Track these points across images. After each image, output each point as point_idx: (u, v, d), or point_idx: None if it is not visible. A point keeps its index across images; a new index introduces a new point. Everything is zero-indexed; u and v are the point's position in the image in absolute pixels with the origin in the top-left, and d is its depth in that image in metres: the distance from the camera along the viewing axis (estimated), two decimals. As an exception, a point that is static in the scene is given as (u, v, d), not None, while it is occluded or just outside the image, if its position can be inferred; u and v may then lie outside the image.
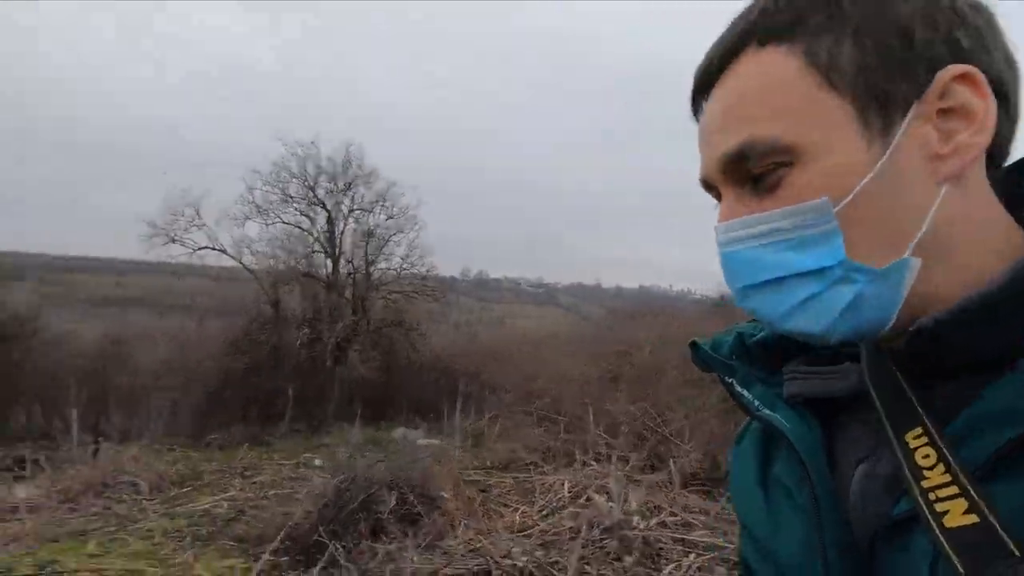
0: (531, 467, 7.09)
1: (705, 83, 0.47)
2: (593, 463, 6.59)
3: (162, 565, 4.02)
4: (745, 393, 0.55)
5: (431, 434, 11.25)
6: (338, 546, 3.94)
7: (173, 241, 11.82)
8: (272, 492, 6.47)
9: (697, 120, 0.49)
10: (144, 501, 5.91)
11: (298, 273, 12.34)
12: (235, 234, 12.45)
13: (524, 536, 4.37)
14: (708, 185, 0.49)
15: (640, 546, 3.78)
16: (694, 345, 0.60)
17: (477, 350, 14.91)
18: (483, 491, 5.77)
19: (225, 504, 5.77)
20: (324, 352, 11.74)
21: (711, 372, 0.59)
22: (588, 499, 5.20)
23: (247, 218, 12.28)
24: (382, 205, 13.04)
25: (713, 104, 0.46)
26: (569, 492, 5.43)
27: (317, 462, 8.26)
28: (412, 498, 4.61)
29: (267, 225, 12.43)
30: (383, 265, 13.25)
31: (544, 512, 5.07)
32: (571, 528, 4.16)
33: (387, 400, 12.91)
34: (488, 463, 7.17)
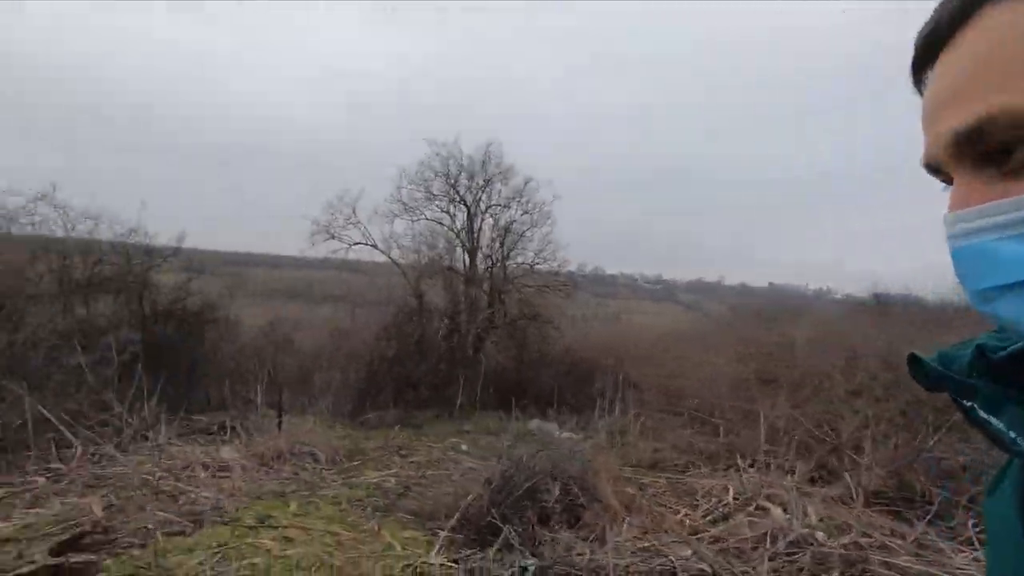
0: (679, 468, 6.83)
1: (930, 50, 0.39)
2: (751, 469, 6.17)
3: (353, 529, 4.40)
4: (993, 420, 0.43)
5: (564, 427, 11.32)
6: (511, 530, 4.04)
7: (332, 237, 13.06)
8: (429, 472, 6.89)
9: (920, 94, 0.41)
10: (323, 471, 6.56)
11: (440, 267, 13.04)
12: (384, 230, 13.48)
13: (696, 539, 4.18)
14: (934, 168, 0.41)
15: (839, 565, 3.43)
16: (914, 359, 0.48)
17: (607, 344, 14.74)
18: (639, 489, 5.64)
19: (392, 480, 6.23)
20: (463, 343, 12.28)
21: (937, 391, 0.47)
22: (758, 508, 4.86)
23: (395, 215, 13.23)
24: (518, 201, 13.37)
25: (942, 72, 0.38)
26: (734, 499, 5.12)
27: (464, 447, 8.66)
28: (576, 490, 4.60)
29: (413, 222, 13.30)
30: (519, 259, 13.58)
31: (709, 517, 4.82)
32: (753, 538, 3.89)
33: (519, 391, 13.20)
34: (634, 461, 7.01)
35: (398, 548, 3.97)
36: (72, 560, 3.50)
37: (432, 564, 3.68)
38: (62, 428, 6.76)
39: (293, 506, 4.81)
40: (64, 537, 4.11)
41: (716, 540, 4.18)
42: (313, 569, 3.59)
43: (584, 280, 16.42)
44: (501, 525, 4.14)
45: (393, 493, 5.72)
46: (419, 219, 13.34)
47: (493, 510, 4.27)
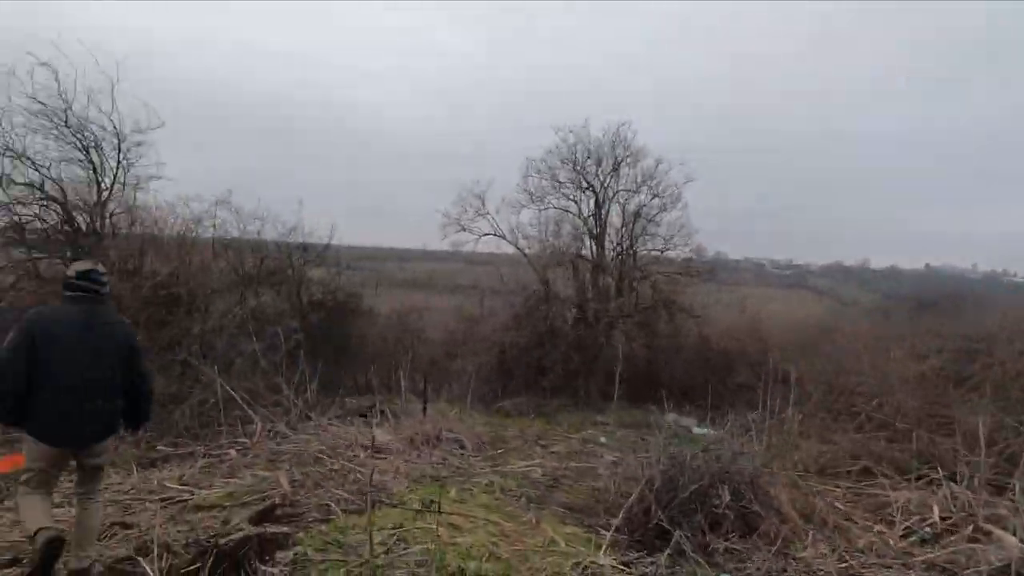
0: (854, 476, 6.06)
1: None
2: (955, 484, 5.27)
3: (513, 520, 4.39)
4: None
5: (705, 423, 10.66)
6: (683, 535, 3.76)
7: (463, 229, 13.46)
8: (572, 464, 6.79)
9: None
10: (471, 458, 6.71)
11: (567, 255, 12.91)
12: (511, 220, 13.63)
13: (903, 565, 3.61)
14: None
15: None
16: None
17: (748, 334, 13.67)
18: (813, 497, 5.06)
19: (539, 470, 6.20)
20: (592, 332, 12.06)
21: None
22: (978, 531, 4.11)
23: (522, 205, 13.30)
24: (648, 184, 12.80)
25: None
26: (942, 517, 4.39)
27: (602, 439, 8.47)
28: (750, 496, 4.20)
29: (540, 211, 13.29)
30: (649, 246, 13.04)
31: (913, 537, 4.17)
32: (992, 573, 3.26)
33: (650, 382, 12.70)
34: (799, 466, 6.34)
35: (562, 544, 3.86)
36: (270, 531, 3.83)
37: (602, 565, 3.52)
38: (245, 407, 7.59)
39: (452, 492, 4.92)
40: (259, 507, 4.54)
41: (931, 567, 3.57)
42: (483, 559, 3.60)
43: (706, 266, 15.37)
44: (670, 529, 3.88)
45: (542, 484, 5.68)
46: (546, 208, 13.31)
47: (660, 512, 4.02)
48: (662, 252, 13.22)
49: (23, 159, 9.86)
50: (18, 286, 9.85)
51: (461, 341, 14.48)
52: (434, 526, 3.94)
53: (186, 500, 4.94)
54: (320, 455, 6.34)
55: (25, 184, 10.05)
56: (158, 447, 7.03)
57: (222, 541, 3.61)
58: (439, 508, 4.49)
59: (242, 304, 10.44)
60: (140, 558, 3.40)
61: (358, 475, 5.63)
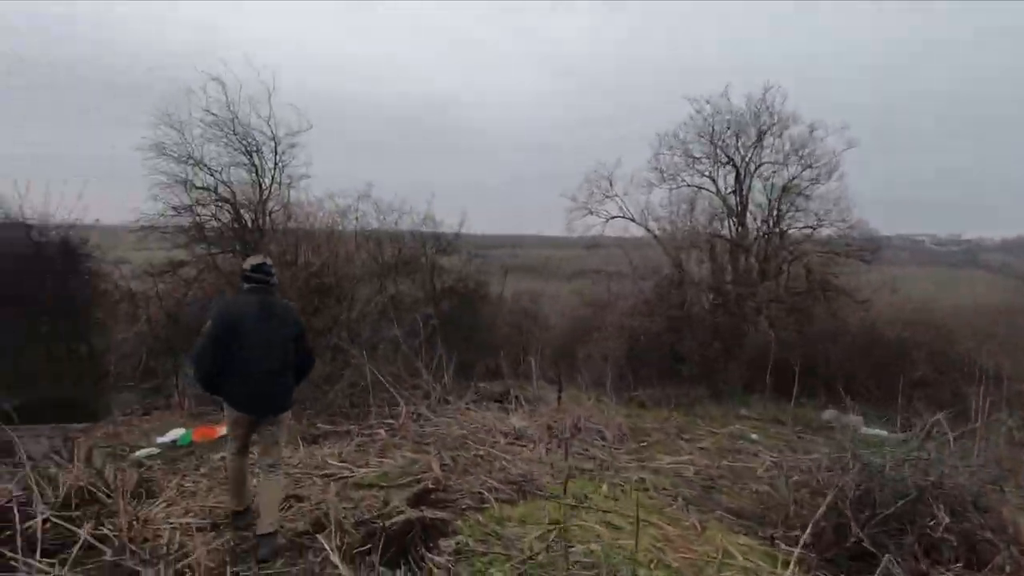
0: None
1: None
2: None
3: (675, 524, 4.04)
4: None
5: (876, 423, 9.39)
6: (894, 559, 3.17)
7: (590, 212, 13.07)
8: (724, 462, 6.22)
9: None
10: (613, 450, 6.42)
11: (703, 236, 12.01)
12: (640, 201, 12.99)
13: None
14: None
15: None
16: None
17: (919, 320, 11.80)
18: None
19: (690, 468, 5.74)
20: (732, 318, 11.11)
21: None
22: None
23: (652, 185, 12.60)
24: (798, 155, 11.43)
25: None
26: None
27: (754, 436, 7.74)
28: (977, 519, 3.45)
29: (671, 190, 12.49)
30: (799, 223, 11.70)
31: None
32: None
33: (802, 374, 11.46)
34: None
35: (738, 557, 3.45)
36: (430, 516, 3.85)
37: (792, 587, 3.06)
38: (392, 390, 7.95)
39: (605, 488, 4.66)
40: (415, 490, 4.64)
41: None
42: (651, 565, 3.31)
43: (871, 244, 13.41)
44: (875, 551, 3.29)
45: (696, 484, 5.24)
46: (679, 186, 12.47)
47: (859, 530, 3.43)
48: (814, 229, 11.79)
49: (201, 166, 11.23)
50: (200, 278, 11.26)
51: (588, 327, 14.18)
52: (595, 525, 3.73)
53: (347, 477, 5.22)
54: (462, 440, 6.45)
55: (203, 188, 11.44)
56: (317, 424, 7.58)
57: (388, 523, 3.70)
58: (594, 505, 4.27)
59: (382, 292, 11.02)
60: (318, 535, 3.58)
61: (503, 462, 5.60)
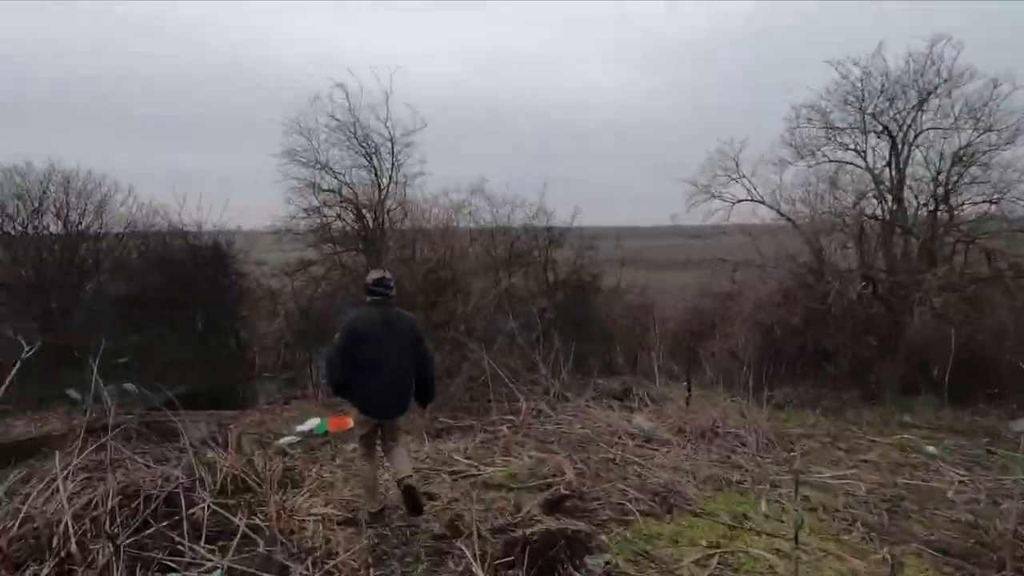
0: None
1: None
2: None
3: (861, 557, 3.38)
4: None
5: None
6: None
7: (713, 196, 12.09)
8: (901, 480, 5.30)
9: None
10: (759, 458, 5.73)
11: (850, 217, 10.58)
12: (772, 182, 11.77)
13: None
14: None
15: None
16: None
17: None
18: None
19: (861, 486, 4.93)
20: (887, 309, 9.68)
21: None
22: None
23: (786, 163, 11.34)
24: (975, 116, 9.62)
25: None
26: None
27: (931, 449, 6.59)
28: None
29: (809, 167, 11.15)
30: (976, 198, 9.89)
31: None
32: None
33: (976, 374, 9.74)
34: None
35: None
36: (571, 528, 3.55)
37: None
38: (511, 384, 7.80)
39: (764, 505, 4.08)
40: (546, 495, 4.37)
41: None
42: (845, 611, 2.74)
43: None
44: None
45: (875, 506, 4.45)
46: (818, 163, 11.07)
47: None
48: (993, 204, 9.90)
49: (327, 169, 11.89)
50: (328, 275, 11.94)
51: (709, 320, 13.21)
52: (763, 552, 3.21)
53: (474, 475, 5.09)
54: (587, 440, 6.11)
55: (328, 190, 12.12)
56: (440, 418, 7.61)
57: (527, 532, 3.46)
58: (755, 525, 3.73)
59: (496, 286, 10.97)
60: (456, 539, 3.43)
61: (636, 467, 5.18)
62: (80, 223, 11.25)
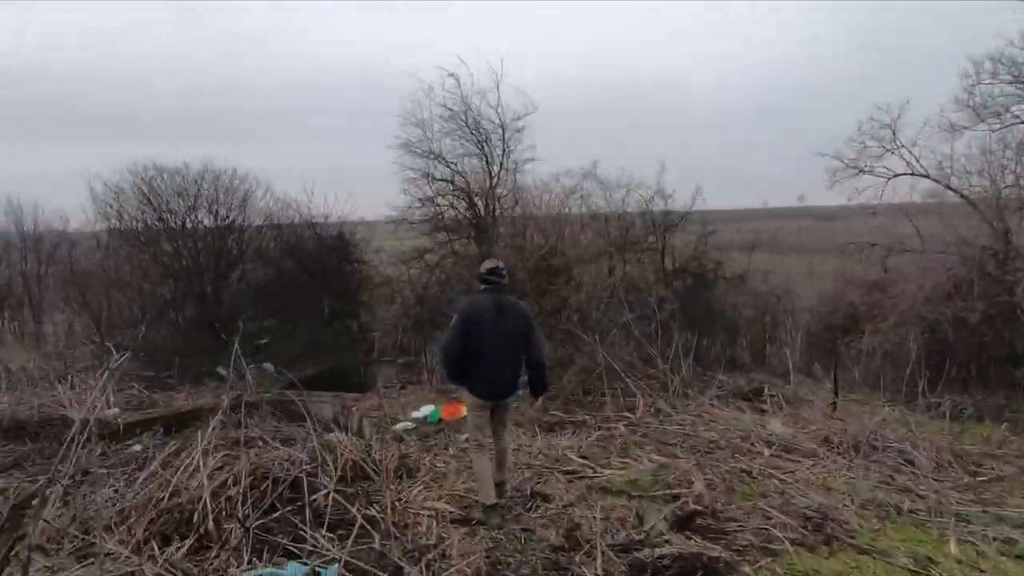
0: None
1: None
2: None
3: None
4: None
5: None
6: None
7: (862, 171, 10.54)
8: None
9: None
10: (931, 480, 4.79)
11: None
12: (938, 153, 9.98)
13: None
14: None
15: None
16: None
17: None
18: None
19: (1085, 528, 3.90)
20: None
21: None
22: None
23: (961, 128, 9.54)
24: None
25: None
26: None
27: None
28: None
29: (994, 131, 9.29)
30: None
31: None
32: None
33: None
34: None
35: None
36: (707, 555, 3.10)
37: None
38: (627, 378, 7.33)
39: (953, 547, 3.32)
40: (673, 507, 3.93)
41: None
42: None
43: None
44: None
45: (1110, 558, 3.47)
46: (1006, 126, 9.16)
47: None
48: None
49: (440, 159, 12.05)
50: (442, 264, 12.16)
51: (855, 313, 11.66)
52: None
53: (590, 477, 4.76)
54: (715, 445, 5.52)
55: (442, 180, 12.30)
56: (551, 411, 7.35)
57: (655, 554, 3.08)
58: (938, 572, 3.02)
59: (611, 273, 10.46)
60: (575, 553, 3.14)
61: (776, 482, 4.54)
62: (227, 216, 12.43)
